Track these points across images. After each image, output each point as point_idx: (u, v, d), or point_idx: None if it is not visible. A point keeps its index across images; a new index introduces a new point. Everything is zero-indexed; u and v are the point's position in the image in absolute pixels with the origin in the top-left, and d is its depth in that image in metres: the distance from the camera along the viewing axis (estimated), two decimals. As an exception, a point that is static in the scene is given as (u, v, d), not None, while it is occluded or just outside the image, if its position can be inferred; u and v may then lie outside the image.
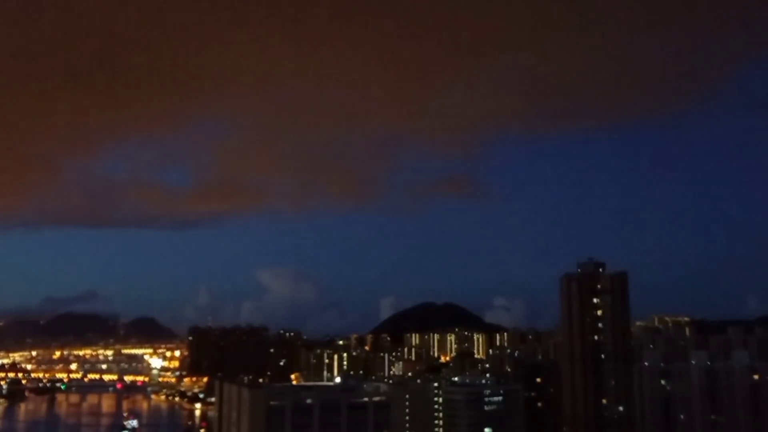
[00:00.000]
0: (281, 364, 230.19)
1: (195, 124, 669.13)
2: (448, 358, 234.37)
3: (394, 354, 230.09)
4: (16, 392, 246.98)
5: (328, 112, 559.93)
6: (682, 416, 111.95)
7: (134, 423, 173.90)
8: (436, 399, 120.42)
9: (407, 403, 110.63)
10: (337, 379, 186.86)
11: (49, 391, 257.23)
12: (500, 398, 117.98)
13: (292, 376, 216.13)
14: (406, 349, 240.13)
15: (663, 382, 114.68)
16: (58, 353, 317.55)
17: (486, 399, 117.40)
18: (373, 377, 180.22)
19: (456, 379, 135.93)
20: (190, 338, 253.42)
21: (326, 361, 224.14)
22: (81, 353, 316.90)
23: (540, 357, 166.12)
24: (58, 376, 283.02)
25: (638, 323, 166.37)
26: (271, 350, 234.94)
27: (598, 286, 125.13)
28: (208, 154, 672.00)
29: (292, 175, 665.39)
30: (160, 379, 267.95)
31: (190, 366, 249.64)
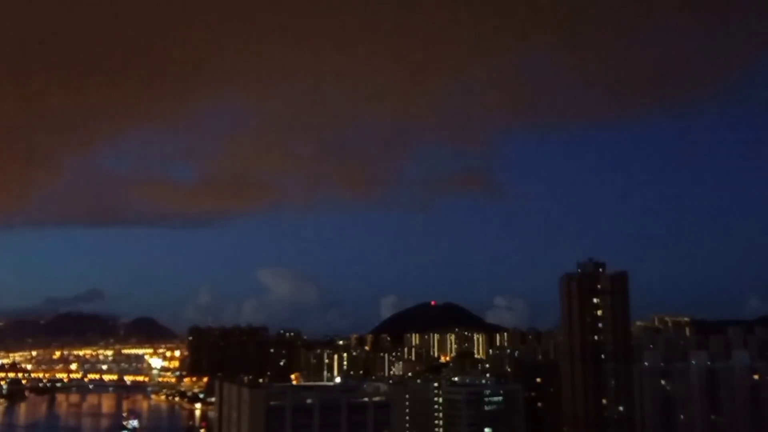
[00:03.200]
0: (281, 364, 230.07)
1: (199, 118, 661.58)
2: (448, 358, 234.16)
3: (394, 354, 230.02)
4: (16, 392, 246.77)
5: (338, 104, 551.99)
6: (682, 416, 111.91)
7: (134, 423, 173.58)
8: (436, 399, 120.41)
9: (407, 403, 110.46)
10: (337, 379, 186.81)
11: (49, 391, 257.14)
12: (500, 398, 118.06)
13: (292, 376, 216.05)
14: (406, 349, 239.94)
15: (663, 382, 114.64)
16: (58, 353, 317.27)
17: (486, 399, 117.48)
18: (373, 377, 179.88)
19: (456, 379, 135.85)
20: (190, 338, 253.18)
21: (326, 361, 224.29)
22: (81, 353, 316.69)
23: (540, 357, 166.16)
24: (58, 376, 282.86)
25: (638, 323, 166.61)
26: (271, 350, 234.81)
27: (598, 286, 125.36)
28: (213, 149, 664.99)
29: (298, 171, 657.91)
30: (160, 379, 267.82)
31: (190, 366, 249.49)
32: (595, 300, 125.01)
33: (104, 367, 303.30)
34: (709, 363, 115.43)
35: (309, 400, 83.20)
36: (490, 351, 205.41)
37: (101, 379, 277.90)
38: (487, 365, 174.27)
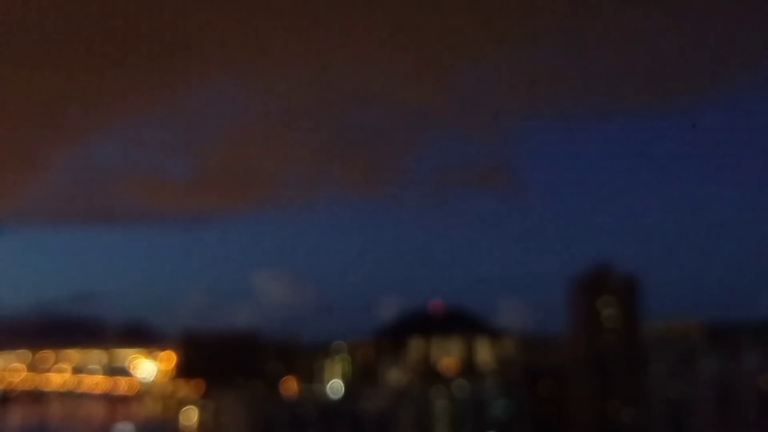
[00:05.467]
0: (277, 369, 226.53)
1: (194, 109, 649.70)
2: (452, 363, 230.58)
3: (396, 359, 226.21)
4: (4, 398, 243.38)
5: (343, 93, 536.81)
6: (692, 422, 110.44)
7: (127, 428, 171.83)
8: (439, 405, 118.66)
9: (409, 409, 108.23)
10: (336, 386, 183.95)
11: (39, 396, 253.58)
12: (506, 404, 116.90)
13: (289, 382, 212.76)
14: (408, 354, 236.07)
15: (673, 386, 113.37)
16: (48, 357, 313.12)
17: (491, 405, 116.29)
18: (374, 383, 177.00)
19: (460, 384, 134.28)
20: (185, 342, 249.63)
21: (325, 366, 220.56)
22: (72, 357, 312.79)
23: (547, 362, 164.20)
24: (49, 381, 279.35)
25: (648, 327, 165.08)
26: (268, 354, 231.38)
27: (608, 289, 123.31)
28: (209, 142, 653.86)
29: (300, 166, 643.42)
30: (154, 383, 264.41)
31: (184, 370, 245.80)
32: (604, 303, 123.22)
33: (96, 370, 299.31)
34: (721, 367, 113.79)
35: (306, 407, 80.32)
36: (496, 356, 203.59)
37: (93, 384, 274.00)
38: (493, 370, 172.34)
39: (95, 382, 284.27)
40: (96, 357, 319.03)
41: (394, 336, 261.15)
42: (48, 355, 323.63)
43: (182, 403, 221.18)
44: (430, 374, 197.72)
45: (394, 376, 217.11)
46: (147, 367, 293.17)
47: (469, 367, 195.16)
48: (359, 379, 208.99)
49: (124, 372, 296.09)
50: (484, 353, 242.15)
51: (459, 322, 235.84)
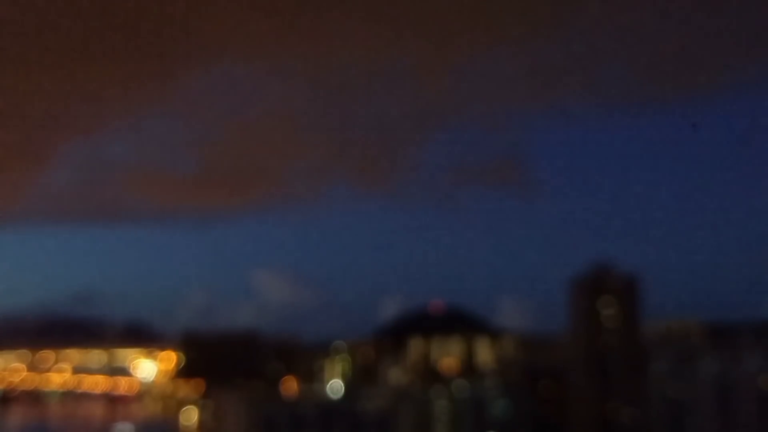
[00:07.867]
0: (277, 369, 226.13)
1: (200, 104, 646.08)
2: (452, 363, 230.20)
3: (396, 359, 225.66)
4: (4, 398, 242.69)
5: (352, 86, 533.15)
6: (692, 422, 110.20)
7: (127, 428, 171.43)
8: (439, 405, 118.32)
9: (409, 409, 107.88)
10: (336, 386, 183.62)
11: (39, 396, 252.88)
12: (506, 404, 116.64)
13: (289, 382, 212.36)
14: (408, 354, 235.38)
15: (673, 387, 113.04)
16: (48, 357, 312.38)
17: (491, 405, 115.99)
18: (374, 383, 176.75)
19: (460, 384, 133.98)
20: (184, 342, 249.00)
21: (325, 366, 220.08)
22: (72, 357, 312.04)
23: (547, 362, 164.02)
24: (49, 381, 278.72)
25: (648, 327, 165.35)
26: (267, 355, 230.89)
27: (608, 289, 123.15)
28: (214, 138, 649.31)
29: (307, 161, 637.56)
30: (153, 384, 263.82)
31: (184, 370, 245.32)
32: (604, 303, 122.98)
33: (96, 371, 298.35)
34: (721, 368, 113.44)
35: (306, 408, 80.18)
36: (496, 356, 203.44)
37: (93, 384, 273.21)
38: (493, 370, 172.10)
39: (95, 382, 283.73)
40: (96, 357, 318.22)
41: (394, 336, 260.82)
42: (48, 355, 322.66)
43: (182, 403, 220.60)
44: (430, 374, 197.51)
45: (394, 376, 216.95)
46: (147, 367, 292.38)
47: (469, 367, 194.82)
48: (359, 379, 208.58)
49: (124, 372, 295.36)
50: (484, 353, 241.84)
51: (459, 322, 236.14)
